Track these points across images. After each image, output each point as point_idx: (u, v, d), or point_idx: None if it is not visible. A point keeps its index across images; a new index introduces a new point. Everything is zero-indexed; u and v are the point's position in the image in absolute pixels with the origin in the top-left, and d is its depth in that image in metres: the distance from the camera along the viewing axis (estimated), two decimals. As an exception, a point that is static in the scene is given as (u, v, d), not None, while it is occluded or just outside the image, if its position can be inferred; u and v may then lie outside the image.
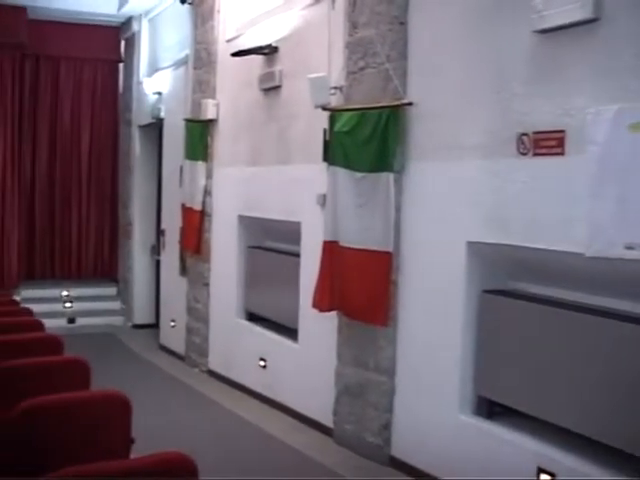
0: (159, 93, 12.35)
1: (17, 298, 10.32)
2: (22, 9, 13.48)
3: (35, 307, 8.44)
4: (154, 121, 12.57)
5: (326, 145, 7.28)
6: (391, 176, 6.37)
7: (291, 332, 8.33)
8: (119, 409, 3.96)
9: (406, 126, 6.34)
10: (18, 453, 3.61)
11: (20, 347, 5.59)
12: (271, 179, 8.67)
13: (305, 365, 7.97)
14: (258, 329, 9.10)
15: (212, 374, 10.06)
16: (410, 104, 6.28)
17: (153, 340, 12.27)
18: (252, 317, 9.41)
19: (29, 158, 14.53)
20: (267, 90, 8.76)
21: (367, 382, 6.85)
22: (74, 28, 14.36)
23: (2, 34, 13.45)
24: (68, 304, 13.76)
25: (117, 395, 3.97)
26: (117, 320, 13.85)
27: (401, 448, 6.55)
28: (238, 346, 9.45)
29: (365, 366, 6.87)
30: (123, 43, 14.79)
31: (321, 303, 7.15)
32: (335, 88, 7.17)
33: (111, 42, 14.81)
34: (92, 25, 14.42)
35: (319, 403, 7.62)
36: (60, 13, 13.80)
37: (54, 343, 5.86)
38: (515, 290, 5.75)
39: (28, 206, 14.54)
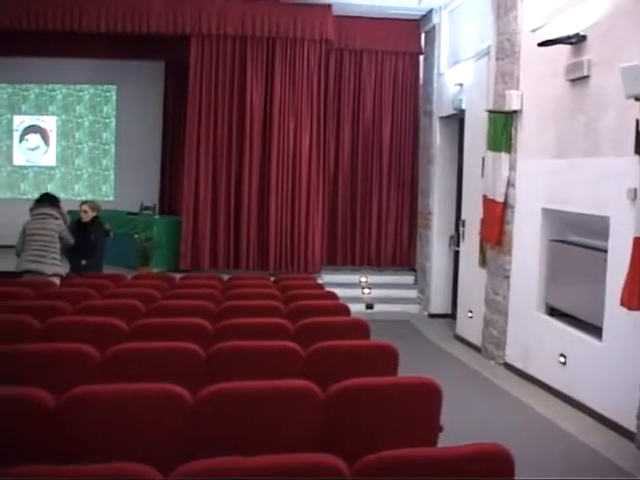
0: (460, 84, 12.36)
1: (320, 282, 10.74)
2: (328, 6, 14.03)
3: (335, 292, 8.72)
4: (455, 112, 12.61)
5: (639, 137, 6.97)
6: None
7: (594, 329, 8.07)
8: (429, 396, 3.99)
9: None
10: (334, 435, 3.75)
11: (329, 330, 5.81)
12: (577, 171, 8.42)
13: (608, 364, 7.68)
14: (559, 324, 8.88)
15: (508, 367, 9.96)
16: None
17: (449, 330, 12.35)
18: (553, 312, 9.21)
19: (333, 148, 15.12)
20: (574, 80, 8.51)
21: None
22: (376, 22, 14.76)
23: (310, 31, 14.07)
24: (367, 290, 14.15)
25: (428, 382, 3.99)
26: (413, 308, 14.08)
27: None
28: (537, 341, 9.29)
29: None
30: (423, 35, 14.95)
31: (630, 301, 6.85)
32: (651, 77, 6.85)
33: (411, 35, 15.04)
34: (393, 19, 14.72)
35: (621, 404, 7.33)
36: (363, 8, 14.24)
37: (361, 328, 6.04)
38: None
39: (331, 194, 15.13)
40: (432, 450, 3.30)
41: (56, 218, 9.56)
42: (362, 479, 2.83)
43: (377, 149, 15.20)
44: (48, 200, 9.76)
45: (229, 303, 6.88)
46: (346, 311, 7.04)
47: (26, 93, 18.14)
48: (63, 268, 9.66)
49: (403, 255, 15.35)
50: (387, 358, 5.03)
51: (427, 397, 3.99)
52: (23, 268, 9.35)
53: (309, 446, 3.62)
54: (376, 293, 14.19)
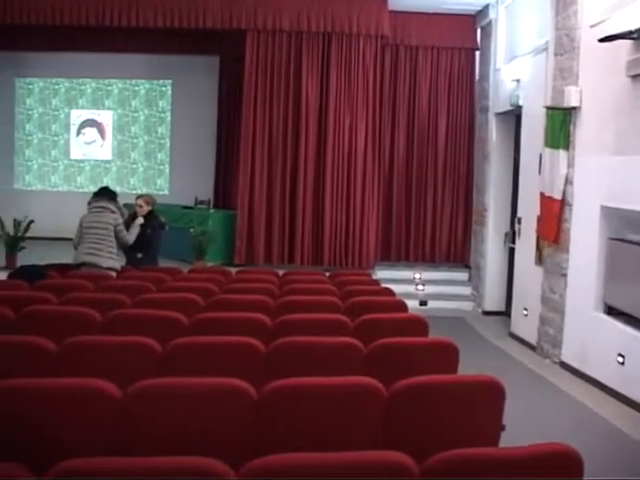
0: (517, 80, 12.24)
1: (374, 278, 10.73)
2: (384, 1, 14.02)
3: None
4: (512, 108, 12.49)
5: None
6: None
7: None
8: (493, 395, 3.96)
9: None
10: (397, 433, 3.75)
11: (388, 326, 5.80)
12: (637, 169, 8.30)
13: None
14: (618, 324, 8.77)
15: (564, 366, 9.87)
16: None
17: (503, 327, 12.27)
18: (611, 311, 9.09)
19: (388, 144, 15.11)
20: (635, 77, 8.40)
21: None
22: (432, 17, 14.73)
23: (365, 26, 14.06)
24: (420, 287, 14.11)
25: (491, 380, 3.97)
26: (467, 305, 14.01)
27: None
28: (594, 340, 9.18)
29: None
30: (479, 31, 14.86)
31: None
32: None
33: (467, 30, 14.97)
34: (449, 14, 14.67)
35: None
36: (419, 3, 14.22)
37: (419, 324, 6.01)
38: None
39: (386, 190, 15.13)
40: (501, 450, 3.28)
41: (113, 212, 9.64)
42: (431, 478, 2.82)
43: (432, 145, 15.16)
44: (106, 194, 9.85)
45: (287, 298, 6.89)
46: (403, 307, 7.02)
47: (83, 88, 18.40)
48: (119, 262, 9.74)
49: (457, 252, 15.28)
50: (447, 355, 5.01)
51: (491, 395, 3.97)
52: (80, 260, 9.46)
53: (372, 443, 3.62)
54: (430, 289, 14.15)
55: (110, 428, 3.50)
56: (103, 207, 9.61)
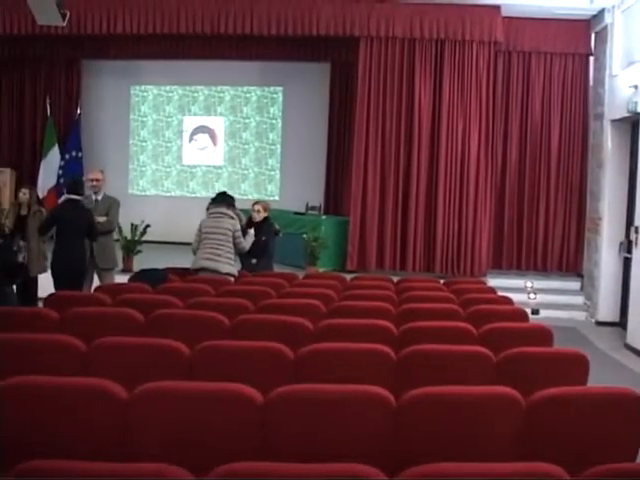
0: (635, 86, 11.98)
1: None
2: (496, 7, 13.91)
3: (501, 296, 8.61)
4: (629, 115, 12.23)
5: None
6: None
7: None
8: (630, 408, 3.89)
9: None
10: (535, 445, 3.73)
11: (512, 335, 5.77)
12: None
13: None
14: None
15: (685, 379, 9.63)
16: None
17: (618, 339, 12.01)
18: None
19: (500, 150, 14.97)
20: None
21: None
22: (544, 23, 14.53)
23: (478, 32, 13.99)
24: (532, 295, 13.93)
25: (628, 392, 3.90)
26: (579, 315, 13.76)
27: None
28: None
29: None
30: (593, 36, 14.60)
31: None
32: None
33: (581, 36, 14.72)
34: (562, 19, 14.42)
35: None
36: (532, 9, 14.04)
37: (544, 334, 5.97)
38: None
39: (498, 197, 14.99)
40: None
41: (231, 218, 9.75)
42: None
43: (545, 152, 14.94)
44: (224, 200, 9.96)
45: (408, 306, 6.92)
46: (524, 316, 6.98)
47: (195, 95, 18.74)
48: (236, 267, 9.87)
49: (569, 260, 15.02)
50: (577, 367, 4.97)
51: (628, 408, 3.90)
52: (199, 266, 9.59)
53: (510, 454, 3.61)
54: (541, 298, 13.95)
55: (253, 433, 3.58)
56: (222, 213, 9.73)
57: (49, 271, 10.13)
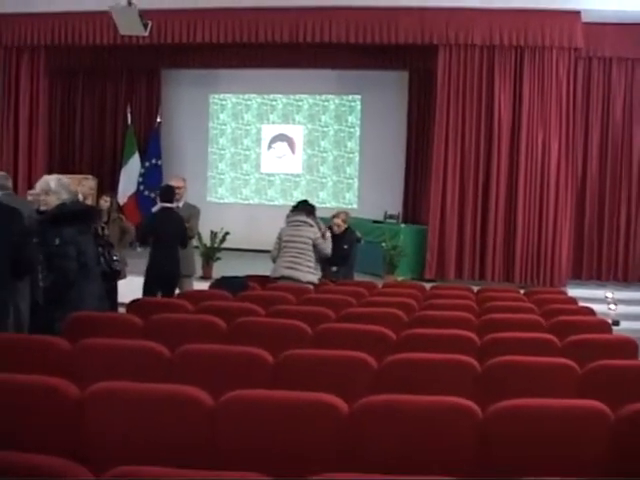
0: None
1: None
2: (576, 13, 13.73)
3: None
4: None
5: None
6: None
7: None
8: None
9: None
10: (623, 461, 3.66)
11: (597, 347, 5.69)
12: None
13: None
14: None
15: None
16: None
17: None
18: None
19: (580, 159, 14.76)
20: None
21: None
22: (626, 28, 14.26)
23: (558, 39, 13.82)
24: (612, 306, 13.68)
25: None
26: (663, 325, 13.48)
27: None
28: None
29: None
30: (675, 40, 14.34)
31: None
32: None
33: (663, 39, 14.46)
34: (643, 24, 14.20)
35: None
36: (613, 14, 13.80)
37: (629, 346, 5.88)
38: None
39: (578, 206, 14.76)
40: None
41: (311, 226, 9.77)
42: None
43: (626, 159, 14.68)
44: (304, 208, 9.96)
45: (489, 316, 6.88)
46: (607, 328, 6.89)
47: (274, 103, 18.88)
48: (316, 276, 9.84)
49: (651, 270, 14.76)
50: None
51: None
52: (279, 274, 9.62)
53: (597, 469, 3.56)
54: (622, 309, 13.68)
55: (337, 442, 3.59)
56: (302, 221, 9.76)
57: (128, 277, 10.34)
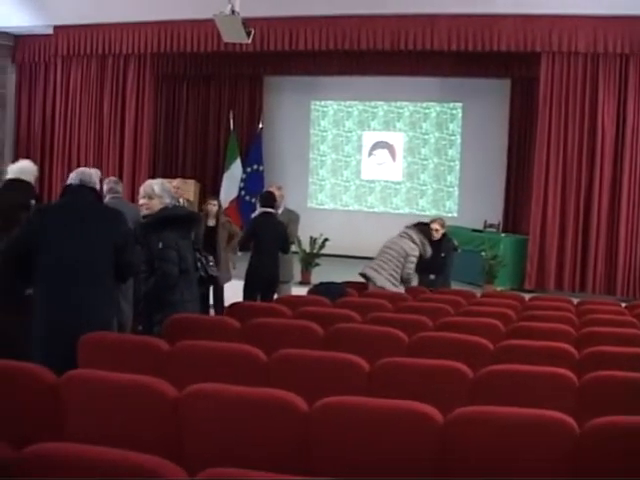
0: None
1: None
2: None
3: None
4: None
5: None
6: None
7: None
8: None
9: None
10: None
11: None
12: None
13: None
14: None
15: None
16: None
17: None
18: None
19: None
20: None
21: None
22: None
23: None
24: None
25: None
26: None
27: None
28: None
29: None
30: None
31: None
32: None
33: None
34: None
35: None
36: None
37: None
38: None
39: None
40: None
41: (414, 242, 9.77)
42: None
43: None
44: (418, 225, 10.21)
45: (589, 329, 6.74)
46: None
47: (375, 110, 18.92)
48: (395, 287, 9.66)
49: None
50: None
51: None
52: (362, 271, 9.94)
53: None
54: None
55: (433, 452, 3.59)
56: (408, 234, 9.84)
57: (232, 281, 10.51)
